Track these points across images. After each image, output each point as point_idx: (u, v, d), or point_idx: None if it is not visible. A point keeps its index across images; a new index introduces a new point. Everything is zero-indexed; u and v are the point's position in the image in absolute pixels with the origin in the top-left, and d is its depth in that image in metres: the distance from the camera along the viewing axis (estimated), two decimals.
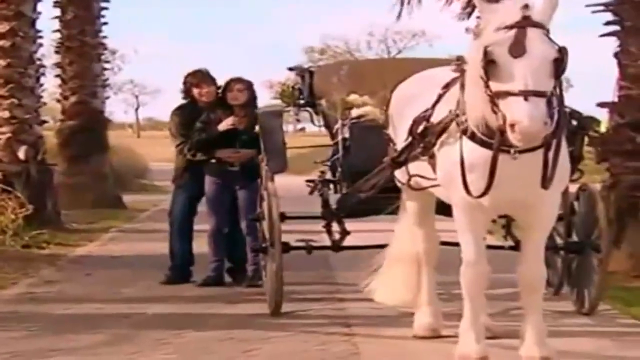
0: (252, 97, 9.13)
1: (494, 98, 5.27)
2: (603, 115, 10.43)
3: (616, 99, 10.49)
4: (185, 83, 9.45)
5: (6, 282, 9.42)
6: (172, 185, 9.73)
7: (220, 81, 9.34)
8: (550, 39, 5.31)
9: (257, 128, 8.80)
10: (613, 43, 10.56)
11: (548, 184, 5.48)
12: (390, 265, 7.19)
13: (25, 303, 8.33)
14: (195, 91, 9.34)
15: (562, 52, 5.29)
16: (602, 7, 10.58)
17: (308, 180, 8.63)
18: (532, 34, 5.25)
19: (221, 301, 8.27)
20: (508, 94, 5.19)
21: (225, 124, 8.93)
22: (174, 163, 9.59)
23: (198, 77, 9.39)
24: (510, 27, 5.26)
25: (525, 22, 5.26)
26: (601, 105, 10.55)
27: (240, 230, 9.05)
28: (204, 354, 6.35)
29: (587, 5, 10.59)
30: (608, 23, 10.60)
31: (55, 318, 7.59)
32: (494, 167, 5.43)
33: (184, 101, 9.59)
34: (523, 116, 5.10)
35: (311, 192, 8.20)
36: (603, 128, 10.01)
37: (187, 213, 9.38)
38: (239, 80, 9.12)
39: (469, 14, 15.70)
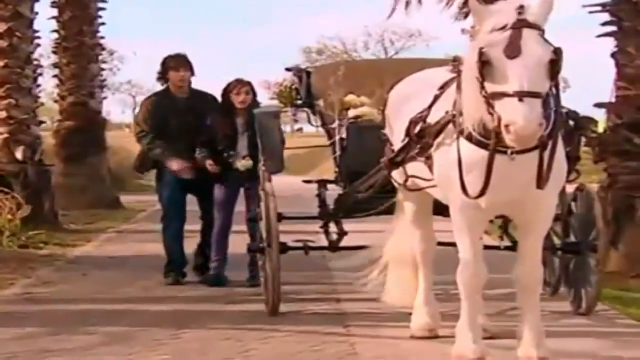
0: (255, 99, 9.12)
1: (490, 99, 5.27)
2: (601, 115, 10.44)
3: (614, 100, 10.50)
4: (163, 64, 9.33)
5: (3, 283, 9.42)
6: (135, 172, 9.69)
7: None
8: (545, 40, 5.30)
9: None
10: (610, 43, 10.58)
11: (543, 184, 5.47)
12: (390, 267, 7.20)
13: (22, 303, 8.33)
14: (172, 74, 9.24)
15: (558, 53, 5.28)
16: (599, 8, 10.58)
17: (305, 181, 8.65)
18: (527, 35, 5.24)
19: (218, 301, 8.27)
20: (503, 95, 5.19)
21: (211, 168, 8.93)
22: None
23: (177, 61, 9.32)
24: (505, 28, 5.26)
25: (520, 23, 5.25)
26: (599, 105, 10.56)
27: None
28: (200, 355, 6.34)
29: (584, 6, 10.60)
30: (605, 23, 10.60)
31: (52, 318, 7.58)
32: (490, 168, 5.43)
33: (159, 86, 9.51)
34: (518, 117, 5.10)
35: None
36: (600, 128, 10.03)
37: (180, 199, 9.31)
38: (243, 82, 9.09)
39: (466, 15, 15.67)
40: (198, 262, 9.41)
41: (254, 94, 9.08)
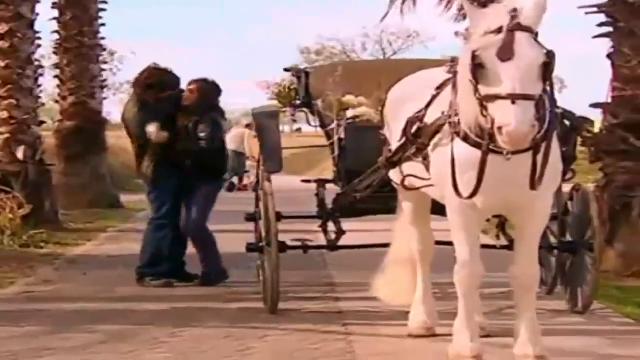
0: (202, 99, 9.04)
1: (483, 101, 5.27)
2: (596, 115, 10.44)
3: (609, 100, 10.50)
4: (147, 84, 9.10)
5: (4, 281, 9.42)
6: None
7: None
8: (538, 42, 5.31)
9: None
10: (606, 44, 10.57)
11: (536, 185, 5.48)
12: (390, 266, 7.19)
13: (22, 302, 8.32)
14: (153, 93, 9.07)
15: (550, 55, 5.29)
16: (594, 9, 10.58)
17: (304, 180, 8.64)
18: (520, 37, 5.25)
19: (217, 300, 8.26)
20: (496, 97, 5.20)
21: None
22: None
23: (160, 80, 9.15)
24: (498, 31, 5.26)
25: (513, 26, 5.26)
26: (594, 105, 10.55)
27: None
28: (199, 353, 6.34)
29: (580, 7, 10.59)
30: (601, 24, 10.59)
31: (51, 317, 7.57)
32: (483, 168, 5.43)
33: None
34: (510, 119, 5.11)
35: None
36: (596, 128, 10.02)
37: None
38: (195, 80, 9.09)
39: (464, 16, 15.62)
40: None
41: (204, 95, 9.01)
